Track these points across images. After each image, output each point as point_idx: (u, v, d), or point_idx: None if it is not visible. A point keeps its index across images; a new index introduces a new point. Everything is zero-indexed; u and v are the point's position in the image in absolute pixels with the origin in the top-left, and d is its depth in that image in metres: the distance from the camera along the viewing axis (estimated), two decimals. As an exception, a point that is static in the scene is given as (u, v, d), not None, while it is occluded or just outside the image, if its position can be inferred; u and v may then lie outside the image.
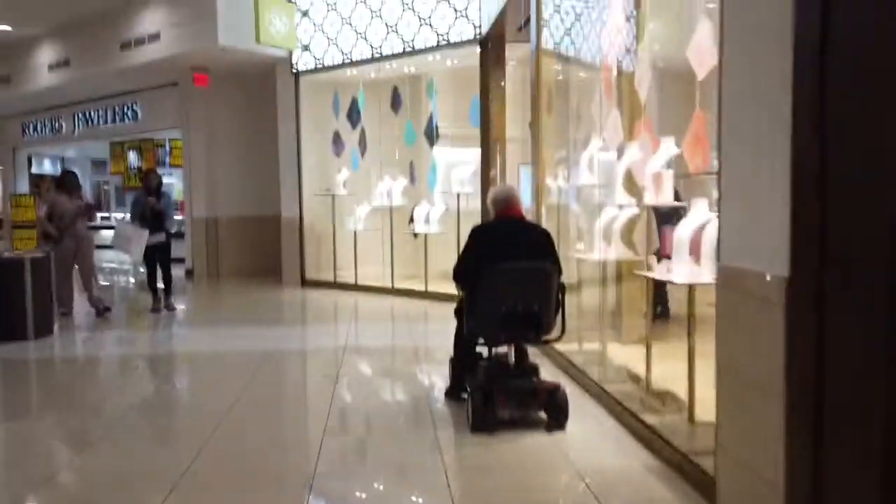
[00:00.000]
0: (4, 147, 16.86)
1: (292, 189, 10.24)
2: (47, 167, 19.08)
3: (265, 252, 11.47)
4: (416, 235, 9.47)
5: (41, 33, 11.96)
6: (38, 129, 15.22)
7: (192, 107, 11.56)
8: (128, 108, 12.78)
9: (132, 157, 15.00)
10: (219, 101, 11.50)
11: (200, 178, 11.62)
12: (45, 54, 12.07)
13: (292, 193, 10.25)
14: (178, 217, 15.33)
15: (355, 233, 9.80)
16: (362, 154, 9.92)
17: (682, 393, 3.63)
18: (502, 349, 3.96)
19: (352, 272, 9.89)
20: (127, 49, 10.37)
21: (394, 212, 9.59)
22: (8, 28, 11.48)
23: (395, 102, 9.61)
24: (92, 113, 13.63)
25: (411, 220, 9.34)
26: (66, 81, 11.66)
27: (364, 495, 3.21)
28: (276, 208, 10.58)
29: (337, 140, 10.14)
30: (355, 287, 9.69)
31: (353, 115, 9.98)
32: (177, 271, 12.28)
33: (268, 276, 11.07)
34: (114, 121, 13.14)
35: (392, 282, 9.40)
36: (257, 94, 11.40)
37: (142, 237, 7.67)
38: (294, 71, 10.02)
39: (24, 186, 16.93)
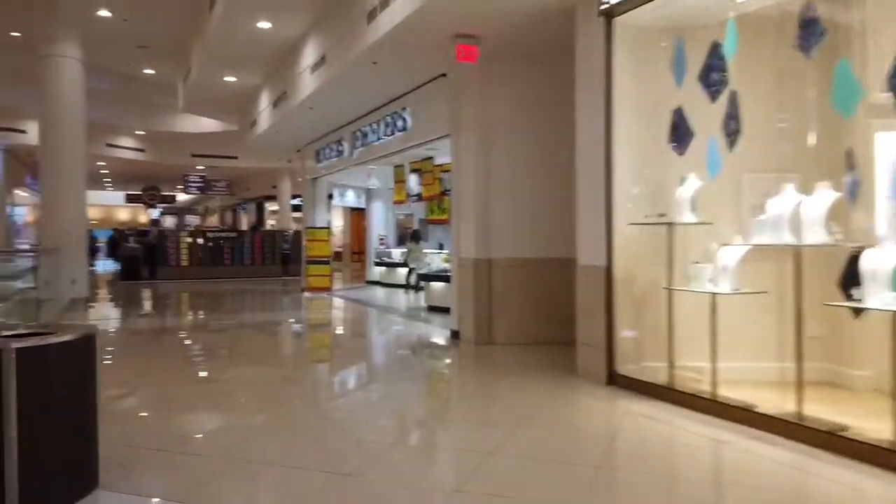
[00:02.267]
0: (305, 178, 16.04)
1: (595, 217, 5.95)
2: (350, 199, 18.08)
3: (557, 313, 7.45)
4: (858, 313, 4.35)
5: (300, 32, 9.94)
6: (327, 154, 13.70)
7: (462, 102, 8.16)
8: (398, 118, 10.04)
9: (413, 181, 12.44)
10: (494, 88, 7.92)
11: (470, 201, 8.09)
12: (306, 57, 10.01)
13: (595, 224, 5.95)
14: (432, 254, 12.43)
15: (714, 296, 5.04)
16: (730, 145, 5.14)
17: None
18: None
19: (705, 370, 5.13)
20: (373, 19, 7.39)
21: (803, 257, 4.58)
22: (268, 24, 9.63)
23: (808, 34, 4.65)
24: (366, 129, 11.32)
25: (849, 278, 4.25)
26: (326, 81, 9.29)
27: None
28: (572, 247, 6.41)
29: (680, 124, 5.57)
30: (713, 404, 4.88)
31: (713, 76, 5.30)
32: (440, 335, 9.05)
33: (558, 352, 6.97)
34: (385, 135, 10.55)
35: (798, 403, 4.38)
36: (548, 70, 7.58)
37: None
38: (603, 6, 5.77)
39: (323, 219, 15.87)
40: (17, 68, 15.14)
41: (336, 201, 16.96)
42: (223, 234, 20.93)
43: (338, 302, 13.46)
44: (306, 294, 14.68)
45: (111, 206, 43.66)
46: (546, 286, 7.75)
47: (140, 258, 19.42)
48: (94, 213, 45.33)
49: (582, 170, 6.19)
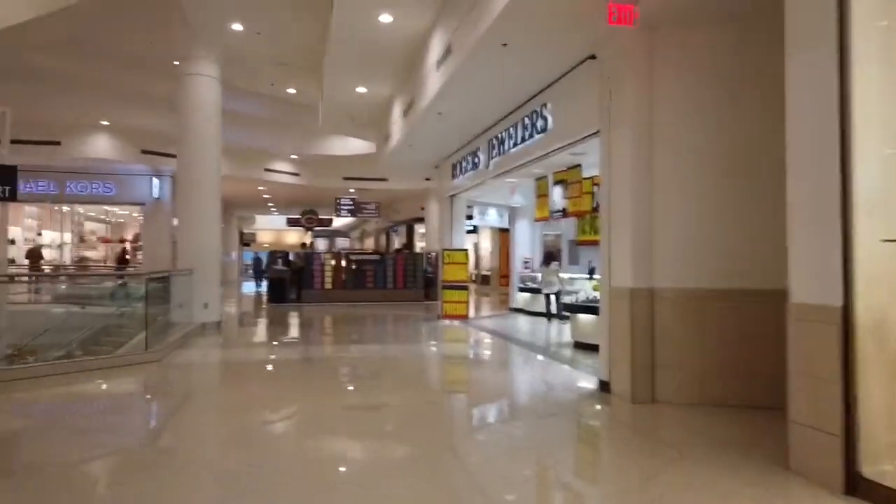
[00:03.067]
0: (442, 196, 14.86)
1: (821, 230, 3.89)
2: (493, 219, 16.65)
3: (751, 366, 5.40)
4: None
5: (425, 24, 8.70)
6: (463, 167, 12.38)
7: (617, 86, 6.36)
8: (537, 118, 8.41)
9: (557, 194, 10.66)
10: (660, 63, 6.07)
11: (625, 212, 6.22)
12: (432, 53, 8.76)
13: (822, 240, 3.88)
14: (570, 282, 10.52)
15: None
16: None
17: None
18: None
19: None
20: (496, -15, 5.90)
21: None
22: (390, 18, 8.50)
23: None
24: (502, 134, 9.81)
25: None
26: (452, 76, 7.93)
27: None
28: (777, 275, 4.37)
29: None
30: None
31: None
32: (586, 383, 7.23)
33: (754, 424, 4.91)
34: (522, 139, 8.96)
35: None
36: (737, 33, 5.65)
37: None
38: None
39: (461, 240, 14.57)
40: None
41: (477, 220, 15.63)
42: (365, 257, 20.43)
43: (472, 332, 11.99)
44: (441, 322, 13.40)
45: (282, 230, 46.10)
46: (734, 328, 5.68)
47: (287, 280, 19.40)
48: (266, 237, 48.36)
49: (797, 162, 4.15)
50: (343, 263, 19.79)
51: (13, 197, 12.74)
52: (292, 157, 24.07)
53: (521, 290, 15.77)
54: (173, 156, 21.03)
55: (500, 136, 9.89)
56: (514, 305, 16.11)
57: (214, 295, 12.19)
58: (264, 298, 20.50)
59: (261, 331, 13.25)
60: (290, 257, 20.82)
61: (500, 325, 12.88)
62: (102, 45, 12.75)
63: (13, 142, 19.22)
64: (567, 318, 11.08)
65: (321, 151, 22.77)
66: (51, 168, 20.01)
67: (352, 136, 17.76)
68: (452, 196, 14.18)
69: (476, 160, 11.28)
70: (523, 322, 13.52)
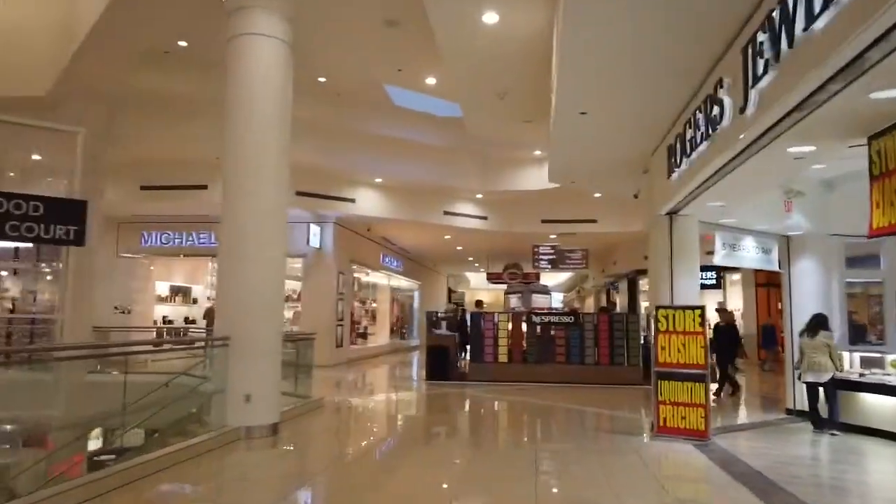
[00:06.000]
0: (654, 213, 8.77)
1: None
2: (749, 255, 9.86)
3: None
4: None
5: None
6: (688, 144, 6.37)
7: None
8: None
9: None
10: None
11: None
12: None
13: None
14: None
15: None
16: None
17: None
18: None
19: None
20: None
21: None
22: None
23: None
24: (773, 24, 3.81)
25: None
26: None
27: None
28: None
29: None
30: None
31: None
32: None
33: None
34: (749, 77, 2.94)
35: None
36: None
37: None
38: None
39: (690, 290, 8.37)
40: (340, 127, 12.45)
41: (721, 258, 9.17)
42: (553, 319, 14.64)
43: (715, 483, 5.70)
44: (657, 441, 7.23)
45: (492, 289, 41.67)
46: None
47: (450, 350, 14.47)
48: (485, 297, 44.15)
49: None
50: (523, 328, 14.31)
51: (80, 241, 9.49)
52: (477, 196, 19.64)
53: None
54: (335, 198, 17.99)
55: (778, 12, 3.92)
56: (794, 406, 9.21)
57: (265, 379, 7.52)
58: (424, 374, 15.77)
59: (342, 446, 8.13)
60: (463, 317, 15.97)
61: (773, 460, 6.31)
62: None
63: (159, 188, 17.58)
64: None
65: (511, 187, 18.11)
66: (208, 219, 17.83)
67: (509, 138, 12.61)
68: (671, 214, 8.11)
69: (714, 114, 5.28)
70: (819, 449, 6.76)
